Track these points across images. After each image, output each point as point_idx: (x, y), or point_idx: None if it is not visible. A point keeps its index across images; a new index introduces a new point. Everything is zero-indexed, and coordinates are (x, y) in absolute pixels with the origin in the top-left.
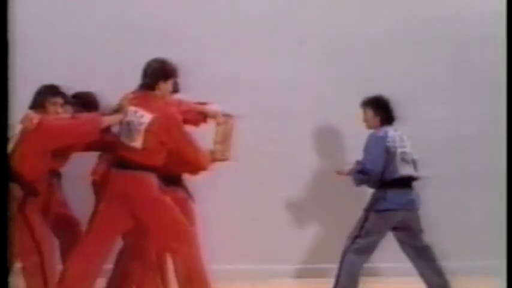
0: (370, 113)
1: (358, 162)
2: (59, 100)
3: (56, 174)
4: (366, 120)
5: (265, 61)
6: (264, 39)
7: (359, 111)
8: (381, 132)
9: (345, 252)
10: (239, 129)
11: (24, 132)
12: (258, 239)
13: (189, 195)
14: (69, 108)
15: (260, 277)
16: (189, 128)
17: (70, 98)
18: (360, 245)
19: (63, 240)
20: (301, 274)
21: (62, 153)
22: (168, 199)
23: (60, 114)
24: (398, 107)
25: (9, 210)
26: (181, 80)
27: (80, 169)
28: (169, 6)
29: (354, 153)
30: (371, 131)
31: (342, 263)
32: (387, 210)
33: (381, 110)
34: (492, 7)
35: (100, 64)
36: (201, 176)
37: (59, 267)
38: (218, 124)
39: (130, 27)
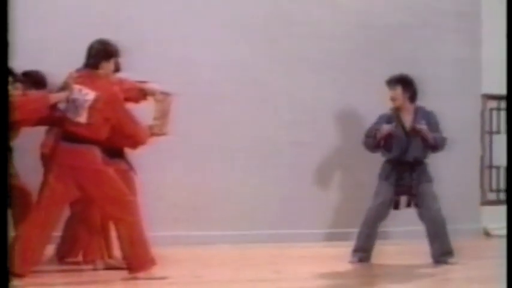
0: (399, 90)
1: (428, 130)
2: (9, 78)
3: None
4: (394, 98)
5: (201, 43)
6: (201, 22)
7: (285, 88)
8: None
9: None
10: (176, 106)
11: None
12: (194, 207)
13: (131, 167)
14: (19, 86)
15: (197, 243)
16: (129, 105)
17: (20, 77)
18: None
19: (16, 210)
20: (237, 240)
21: (12, 128)
22: (111, 171)
23: (10, 91)
24: None
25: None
26: (122, 60)
27: (30, 143)
28: None
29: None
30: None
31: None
32: None
33: (409, 87)
34: None
35: (47, 45)
36: (141, 149)
37: (12, 234)
38: (157, 101)
39: (76, 11)
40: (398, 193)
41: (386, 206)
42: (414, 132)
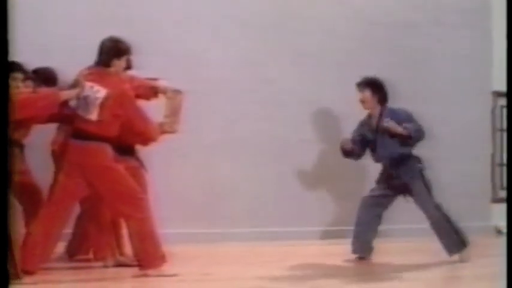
0: (367, 93)
1: (404, 126)
2: (20, 75)
3: (19, 145)
4: (363, 101)
5: (210, 41)
6: (210, 20)
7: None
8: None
9: (446, 217)
10: (187, 104)
11: None
12: (204, 204)
13: (142, 165)
14: (29, 83)
15: (207, 240)
16: (140, 102)
17: (30, 74)
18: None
19: (26, 207)
20: (246, 237)
21: (23, 126)
22: (121, 168)
23: (21, 89)
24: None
25: (9, 210)
26: (134, 58)
27: (41, 140)
28: None
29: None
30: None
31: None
32: None
33: (378, 90)
34: None
35: (58, 42)
36: (152, 147)
37: (23, 231)
38: (168, 99)
39: (83, 9)
40: (393, 192)
41: (379, 198)
42: (381, 131)
